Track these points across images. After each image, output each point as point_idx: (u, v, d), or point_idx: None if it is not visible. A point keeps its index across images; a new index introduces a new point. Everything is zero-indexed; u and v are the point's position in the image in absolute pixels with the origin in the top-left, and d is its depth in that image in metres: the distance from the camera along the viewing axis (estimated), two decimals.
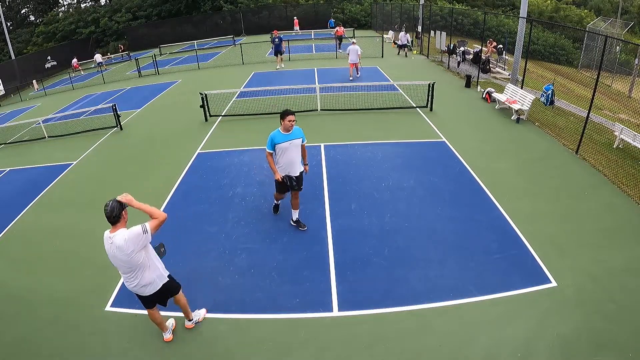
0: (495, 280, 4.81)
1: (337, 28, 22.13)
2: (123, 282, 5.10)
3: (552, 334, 4.04)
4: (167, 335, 4.28)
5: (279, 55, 18.14)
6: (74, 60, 27.32)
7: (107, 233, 3.57)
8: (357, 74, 15.24)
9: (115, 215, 3.44)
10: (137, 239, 3.48)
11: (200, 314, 4.50)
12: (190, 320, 4.39)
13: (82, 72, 26.11)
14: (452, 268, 5.07)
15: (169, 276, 3.96)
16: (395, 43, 22.48)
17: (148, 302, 3.96)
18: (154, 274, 3.76)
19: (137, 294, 3.89)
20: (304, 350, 4.09)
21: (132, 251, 3.49)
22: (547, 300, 4.49)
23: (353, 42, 14.71)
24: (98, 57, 26.82)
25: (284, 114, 5.37)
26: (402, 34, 19.80)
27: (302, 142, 5.62)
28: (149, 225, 3.53)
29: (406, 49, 19.68)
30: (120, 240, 3.46)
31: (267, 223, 6.25)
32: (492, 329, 4.19)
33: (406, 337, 4.15)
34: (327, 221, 6.17)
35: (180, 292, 4.15)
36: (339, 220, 6.17)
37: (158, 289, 3.84)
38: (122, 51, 30.65)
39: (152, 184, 7.90)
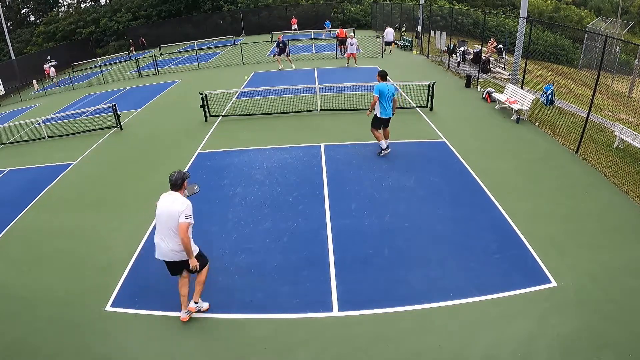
0: (495, 280, 4.81)
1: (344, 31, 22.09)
2: (124, 279, 5.15)
3: (552, 334, 4.04)
4: (184, 315, 4.45)
5: (287, 56, 18.04)
6: (47, 66, 24.91)
7: (165, 193, 4.22)
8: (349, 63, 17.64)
9: (179, 184, 4.17)
10: (189, 209, 4.07)
11: (204, 305, 4.59)
12: (195, 304, 4.50)
13: (55, 81, 23.86)
14: (452, 268, 5.07)
15: (199, 252, 4.35)
16: (395, 43, 22.46)
17: (175, 269, 4.34)
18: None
19: (165, 261, 4.24)
20: (304, 350, 4.10)
21: (181, 211, 4.00)
22: (547, 300, 4.49)
23: (352, 36, 17.60)
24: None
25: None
26: (389, 30, 20.47)
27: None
28: (189, 227, 4.09)
29: (389, 47, 20.23)
30: (179, 197, 4.12)
31: (267, 223, 6.25)
32: (492, 329, 4.19)
33: (406, 337, 4.15)
34: (327, 221, 6.17)
35: (206, 268, 4.46)
36: (339, 220, 6.17)
37: (186, 259, 4.17)
38: (144, 46, 30.40)
39: (152, 184, 7.88)
